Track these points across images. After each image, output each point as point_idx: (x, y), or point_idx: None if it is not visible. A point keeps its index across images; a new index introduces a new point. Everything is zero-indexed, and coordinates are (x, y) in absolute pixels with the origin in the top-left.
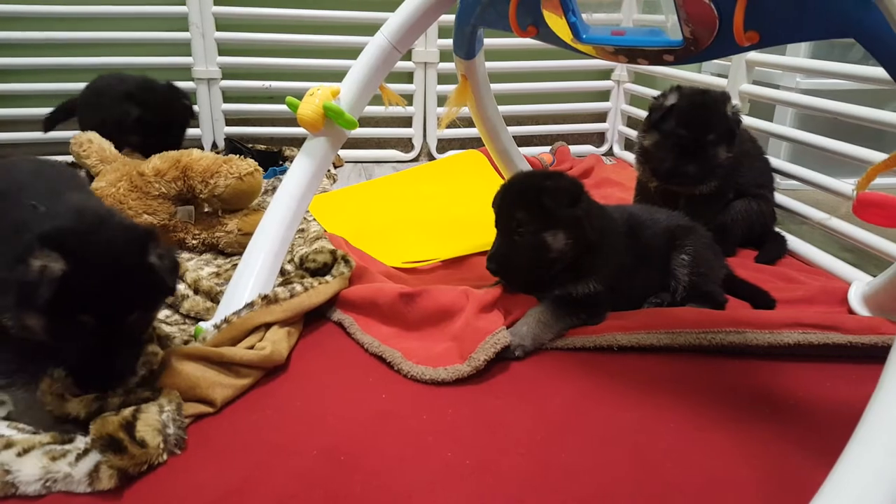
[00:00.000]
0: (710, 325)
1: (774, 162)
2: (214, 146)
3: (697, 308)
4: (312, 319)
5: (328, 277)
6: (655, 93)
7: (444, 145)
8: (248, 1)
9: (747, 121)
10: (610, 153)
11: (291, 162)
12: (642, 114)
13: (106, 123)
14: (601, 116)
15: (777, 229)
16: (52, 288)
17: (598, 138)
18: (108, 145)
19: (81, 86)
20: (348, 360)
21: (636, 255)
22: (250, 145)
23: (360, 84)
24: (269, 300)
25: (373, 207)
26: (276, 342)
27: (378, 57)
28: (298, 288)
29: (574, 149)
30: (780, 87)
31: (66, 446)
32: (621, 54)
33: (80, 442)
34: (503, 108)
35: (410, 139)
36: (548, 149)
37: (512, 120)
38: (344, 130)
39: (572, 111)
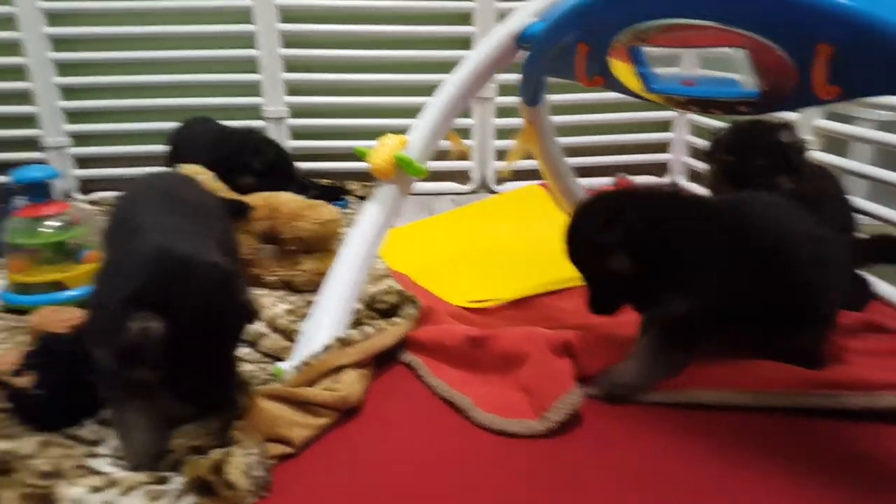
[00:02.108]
0: (803, 387)
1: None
2: None
3: (785, 364)
4: (382, 360)
5: (397, 319)
6: (721, 123)
7: (503, 177)
8: (315, 43)
9: (822, 158)
10: (673, 185)
11: (353, 196)
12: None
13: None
14: (663, 147)
15: (860, 272)
16: (159, 346)
17: (660, 169)
18: (210, 180)
19: (160, 125)
20: (419, 403)
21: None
22: (315, 180)
23: (428, 133)
24: (344, 343)
25: (435, 244)
26: (351, 384)
27: (446, 106)
28: (370, 330)
29: (636, 180)
30: (856, 119)
31: (164, 486)
32: (693, 104)
33: (176, 483)
34: (563, 141)
35: (468, 171)
36: (609, 180)
37: (572, 151)
38: (413, 178)
39: (633, 141)
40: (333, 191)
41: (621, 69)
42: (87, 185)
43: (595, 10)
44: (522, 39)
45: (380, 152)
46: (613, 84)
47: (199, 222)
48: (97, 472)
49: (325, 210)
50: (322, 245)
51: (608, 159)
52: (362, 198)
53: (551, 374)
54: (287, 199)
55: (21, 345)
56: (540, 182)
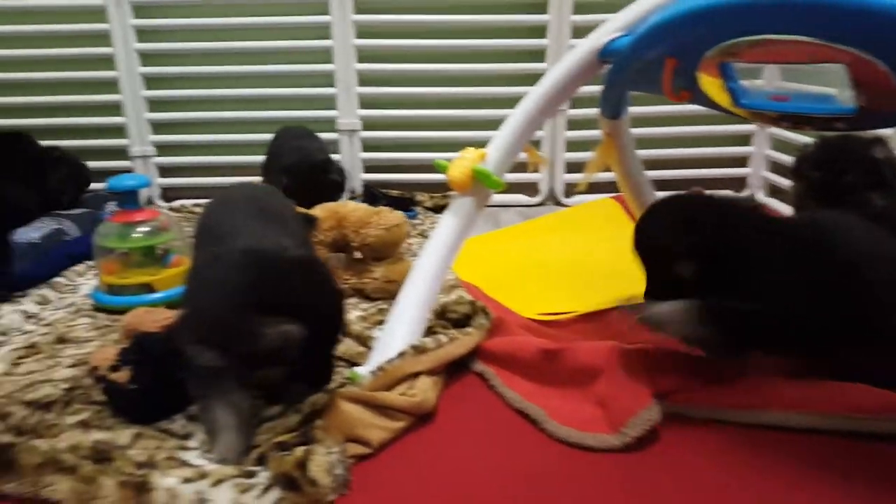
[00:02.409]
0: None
1: None
2: (352, 192)
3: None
4: (454, 369)
5: (469, 329)
6: (805, 138)
7: (572, 190)
8: (389, 58)
9: None
10: (751, 198)
11: (422, 207)
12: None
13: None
14: (741, 161)
15: None
16: (296, 348)
17: (738, 184)
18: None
19: (239, 137)
20: (491, 413)
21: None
22: (384, 191)
23: (506, 147)
24: (418, 350)
25: (504, 256)
26: (425, 391)
27: (525, 121)
28: (443, 339)
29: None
30: None
31: (251, 480)
32: (785, 120)
33: (262, 477)
34: (639, 153)
35: (536, 184)
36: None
37: (647, 164)
38: (490, 190)
39: (711, 155)
40: (402, 201)
41: (709, 84)
42: (169, 193)
43: (687, 26)
44: (606, 53)
45: (458, 165)
46: (700, 98)
47: (283, 229)
48: (188, 464)
49: (391, 216)
50: (389, 251)
51: (685, 173)
52: (430, 208)
53: (628, 389)
54: (354, 208)
55: (114, 343)
56: (613, 195)
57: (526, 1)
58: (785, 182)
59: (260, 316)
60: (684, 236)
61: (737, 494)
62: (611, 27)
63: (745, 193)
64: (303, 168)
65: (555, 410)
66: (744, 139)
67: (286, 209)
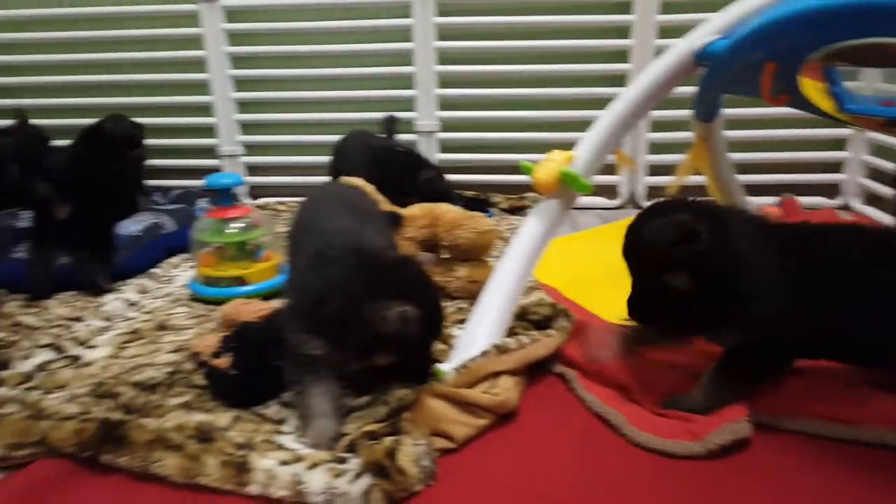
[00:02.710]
0: None
1: None
2: None
3: None
4: (534, 371)
5: (551, 331)
6: None
7: (653, 193)
8: (467, 60)
9: None
10: (845, 207)
11: (497, 209)
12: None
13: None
14: (835, 166)
15: None
16: (416, 329)
17: (832, 190)
18: (371, 189)
19: (322, 138)
20: (572, 416)
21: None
22: (460, 192)
23: (595, 149)
24: (500, 350)
25: (583, 259)
26: (508, 390)
27: (615, 124)
28: (525, 339)
29: (803, 200)
30: None
31: (343, 465)
32: (894, 126)
33: (353, 464)
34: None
35: (616, 186)
36: (773, 200)
37: (737, 168)
38: (577, 193)
39: (803, 160)
40: (479, 203)
41: (811, 88)
42: (254, 191)
43: (791, 30)
44: (702, 56)
45: (545, 167)
46: (800, 102)
47: (372, 227)
48: (284, 448)
49: (484, 221)
50: (477, 254)
51: (776, 178)
52: (506, 210)
53: None
54: (448, 209)
55: (213, 331)
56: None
57: (610, 1)
58: (885, 190)
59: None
60: (682, 244)
61: None
62: (707, 30)
63: (838, 201)
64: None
65: (634, 416)
66: (838, 144)
67: (373, 208)
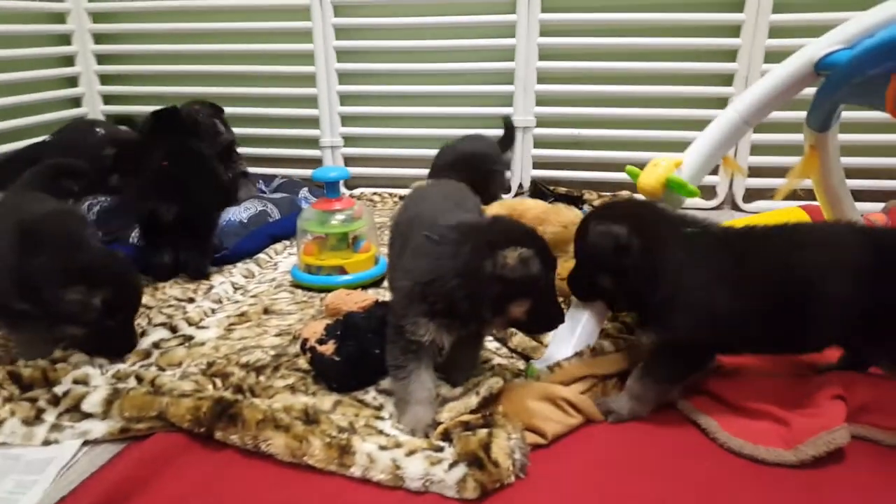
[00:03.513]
0: None
1: None
2: (520, 187)
3: None
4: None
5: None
6: None
7: (752, 195)
8: (568, 56)
9: None
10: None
11: (590, 206)
12: None
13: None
14: None
15: None
16: (537, 265)
17: None
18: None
19: (419, 132)
20: (663, 420)
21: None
22: (552, 188)
23: (704, 156)
24: (596, 352)
25: None
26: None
27: (727, 130)
28: (622, 343)
29: None
30: None
31: (440, 454)
32: None
33: (448, 453)
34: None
35: (714, 187)
36: (880, 206)
37: (847, 173)
38: (682, 198)
39: None
40: (570, 199)
41: None
42: (349, 182)
43: None
44: (823, 66)
45: (651, 173)
46: None
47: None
48: (383, 433)
49: (568, 213)
50: (565, 247)
51: (882, 184)
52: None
53: (817, 412)
54: (532, 205)
55: (314, 318)
56: (802, 204)
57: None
58: None
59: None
60: (613, 255)
61: None
62: (829, 39)
63: None
64: (470, 163)
65: (727, 421)
66: None
67: (474, 204)
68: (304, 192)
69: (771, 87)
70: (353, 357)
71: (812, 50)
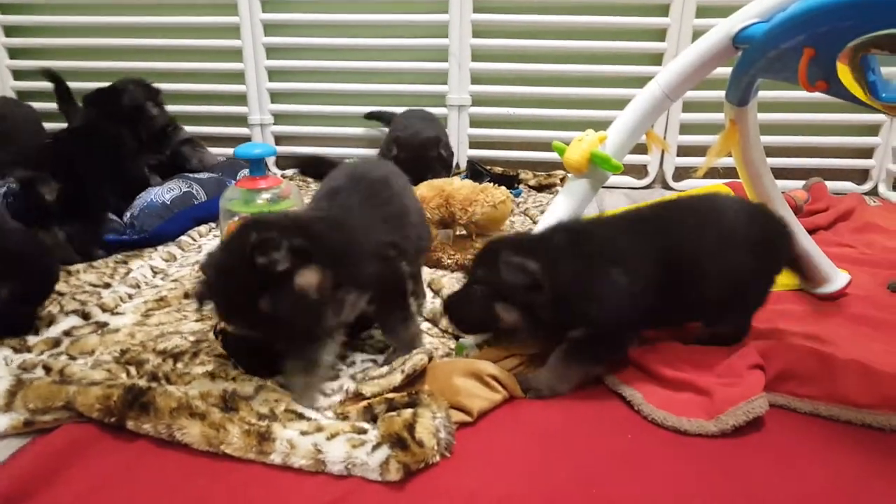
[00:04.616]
0: None
1: None
2: (457, 167)
3: None
4: None
5: None
6: None
7: (681, 173)
8: (503, 33)
9: None
10: (874, 192)
11: (525, 185)
12: None
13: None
14: (866, 152)
15: None
16: None
17: (861, 175)
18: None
19: (350, 109)
20: (589, 394)
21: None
22: (489, 167)
23: (627, 131)
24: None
25: None
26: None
27: (649, 105)
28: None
29: (831, 185)
30: None
31: (363, 436)
32: None
33: (371, 435)
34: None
35: (645, 166)
36: (801, 184)
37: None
38: (607, 173)
39: (832, 144)
40: (507, 179)
41: (848, 76)
42: (281, 162)
43: (831, 16)
44: (740, 40)
45: (576, 148)
46: (837, 90)
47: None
48: (305, 418)
49: (497, 192)
50: (495, 227)
51: (803, 162)
52: (534, 187)
53: (737, 381)
54: (460, 185)
55: None
56: (727, 181)
57: None
58: None
59: None
60: (527, 291)
61: (831, 493)
62: (746, 13)
63: (867, 186)
64: (412, 143)
65: (651, 393)
66: (871, 129)
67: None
68: (244, 171)
69: (691, 62)
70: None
71: (729, 24)
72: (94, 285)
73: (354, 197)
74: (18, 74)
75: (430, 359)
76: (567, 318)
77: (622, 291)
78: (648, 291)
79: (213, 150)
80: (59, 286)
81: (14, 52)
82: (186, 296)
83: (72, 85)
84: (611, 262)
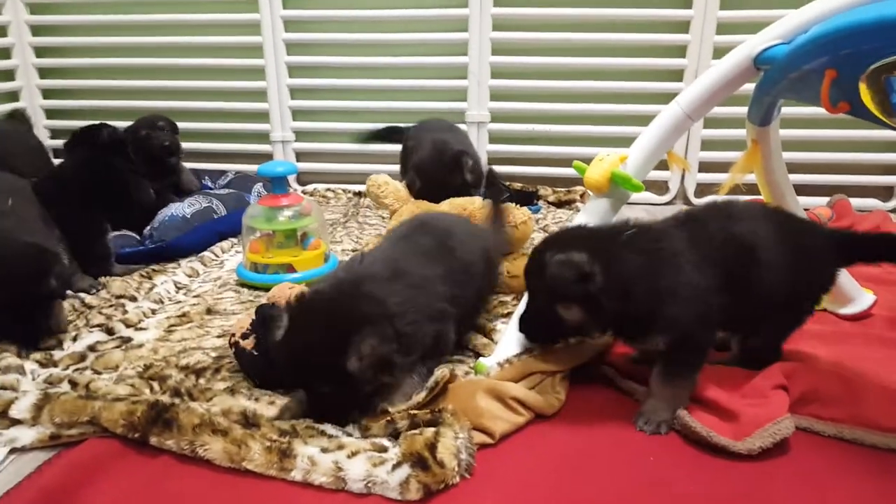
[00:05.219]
0: None
1: None
2: None
3: None
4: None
5: None
6: None
7: (703, 190)
8: (522, 51)
9: None
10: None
11: (545, 202)
12: None
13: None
14: (891, 168)
15: None
16: None
17: (886, 192)
18: (401, 187)
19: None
20: (614, 410)
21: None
22: (508, 183)
23: (648, 151)
24: (546, 349)
25: None
26: (558, 392)
27: (670, 125)
28: (572, 340)
29: (855, 202)
30: None
31: (384, 455)
32: None
33: (391, 453)
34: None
35: (666, 182)
36: (825, 201)
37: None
38: (628, 192)
39: (856, 161)
40: (527, 195)
41: (868, 96)
42: (302, 178)
43: (852, 38)
44: (762, 61)
45: (597, 168)
46: (860, 111)
47: None
48: (325, 434)
49: (518, 213)
50: (515, 246)
51: (827, 178)
52: (553, 203)
53: (762, 402)
54: (482, 205)
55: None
56: (749, 199)
57: None
58: None
59: None
60: (577, 284)
61: None
62: (768, 34)
63: (892, 203)
64: (433, 168)
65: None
66: (894, 146)
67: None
68: (257, 187)
69: (712, 82)
70: (269, 351)
71: (751, 45)
72: (120, 297)
73: (415, 256)
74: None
75: (453, 374)
76: (632, 321)
77: (698, 288)
78: (719, 291)
79: (235, 167)
80: (88, 299)
81: (43, 73)
82: (208, 311)
83: (94, 103)
84: (676, 258)
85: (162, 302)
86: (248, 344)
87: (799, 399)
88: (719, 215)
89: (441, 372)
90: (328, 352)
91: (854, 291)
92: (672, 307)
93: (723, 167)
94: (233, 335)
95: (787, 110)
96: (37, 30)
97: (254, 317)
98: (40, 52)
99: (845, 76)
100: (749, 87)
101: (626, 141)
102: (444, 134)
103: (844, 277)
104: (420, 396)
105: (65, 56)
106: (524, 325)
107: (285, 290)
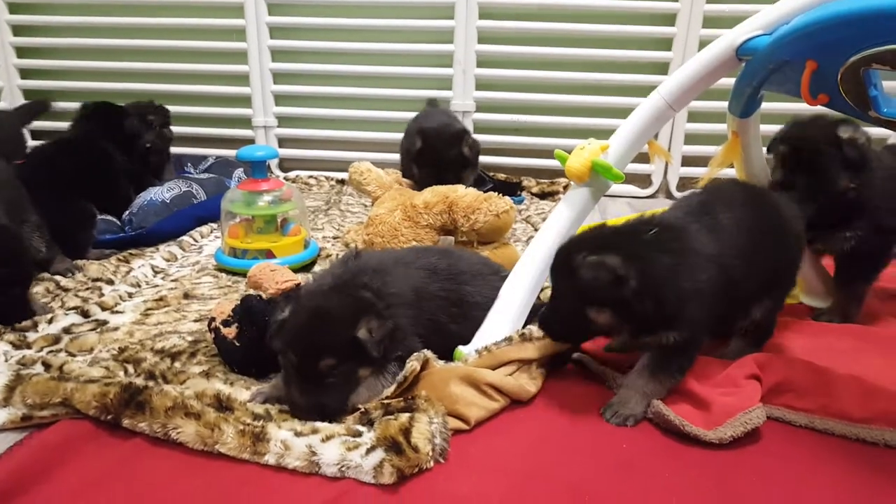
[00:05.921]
0: None
1: None
2: None
3: None
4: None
5: None
6: None
7: (686, 183)
8: (508, 40)
9: None
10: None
11: (528, 192)
12: None
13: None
14: None
15: None
16: None
17: None
18: (383, 174)
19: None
20: (590, 398)
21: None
22: (492, 174)
23: (630, 140)
24: (524, 337)
25: None
26: (534, 378)
27: (652, 115)
28: None
29: None
30: None
31: (358, 439)
32: None
33: (366, 438)
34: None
35: (649, 175)
36: None
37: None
38: (609, 182)
39: None
40: (510, 186)
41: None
42: (285, 164)
43: (833, 30)
44: (743, 51)
45: (578, 157)
46: (839, 103)
47: None
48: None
49: (500, 202)
50: (496, 235)
51: None
52: (537, 194)
53: (734, 392)
54: (464, 193)
55: (227, 298)
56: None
57: None
58: None
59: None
60: (611, 288)
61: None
62: (750, 25)
63: None
64: (438, 134)
65: None
66: (877, 144)
67: None
68: (238, 172)
69: (694, 72)
70: (253, 344)
71: (733, 35)
72: (97, 280)
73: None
74: (25, 73)
75: (424, 365)
76: (653, 320)
77: (717, 286)
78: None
79: (216, 152)
80: (64, 282)
81: (21, 52)
82: (186, 296)
83: (76, 84)
84: (701, 255)
85: (139, 286)
86: (229, 332)
87: (772, 389)
88: (731, 201)
89: (411, 365)
90: (341, 323)
91: (828, 283)
92: (693, 307)
93: (705, 161)
94: (213, 319)
95: (767, 105)
96: (14, 7)
97: (236, 303)
98: (17, 30)
99: (825, 68)
100: (731, 79)
101: (612, 132)
102: (449, 117)
103: (821, 270)
104: (389, 391)
105: (44, 35)
106: (548, 323)
107: (266, 271)
